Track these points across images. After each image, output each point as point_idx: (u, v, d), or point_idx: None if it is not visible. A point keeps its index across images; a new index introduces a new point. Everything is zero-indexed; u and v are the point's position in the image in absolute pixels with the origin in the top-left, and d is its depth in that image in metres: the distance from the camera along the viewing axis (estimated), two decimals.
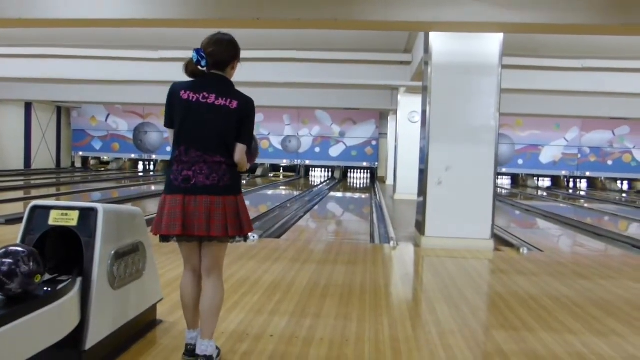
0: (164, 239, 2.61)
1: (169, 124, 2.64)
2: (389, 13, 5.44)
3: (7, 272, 2.09)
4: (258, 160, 22.62)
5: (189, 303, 2.71)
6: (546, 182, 22.48)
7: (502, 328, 3.48)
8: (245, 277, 4.50)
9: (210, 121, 2.54)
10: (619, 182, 21.96)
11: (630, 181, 21.94)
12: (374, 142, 22.25)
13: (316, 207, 11.46)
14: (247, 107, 2.60)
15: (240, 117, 2.57)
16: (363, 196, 15.10)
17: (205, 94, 2.55)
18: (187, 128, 2.55)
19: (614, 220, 11.21)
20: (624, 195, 19.34)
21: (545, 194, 18.74)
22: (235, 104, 2.56)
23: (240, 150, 2.59)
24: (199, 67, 2.58)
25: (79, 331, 2.44)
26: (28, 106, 20.70)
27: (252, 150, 2.69)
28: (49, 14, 5.74)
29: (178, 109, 2.57)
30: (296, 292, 4.12)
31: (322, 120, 22.03)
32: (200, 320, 2.64)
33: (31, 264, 2.16)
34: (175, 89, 2.60)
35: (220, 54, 2.62)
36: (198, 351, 2.60)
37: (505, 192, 18.56)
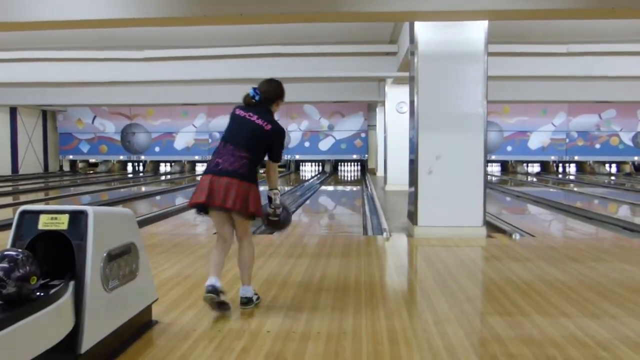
0: (197, 209, 3.51)
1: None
2: (373, 4, 5.43)
3: (4, 275, 2.08)
4: None
5: (213, 262, 3.52)
6: (535, 168, 22.62)
7: (498, 314, 3.49)
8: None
9: (247, 130, 3.47)
10: (607, 165, 22.13)
11: (619, 164, 22.12)
12: (363, 135, 22.25)
13: (308, 201, 11.46)
14: (276, 132, 3.54)
15: (270, 136, 3.51)
16: (354, 189, 15.12)
17: (251, 114, 3.53)
18: (231, 131, 3.53)
19: (603, 203, 11.29)
20: (612, 178, 19.51)
21: (535, 179, 18.85)
22: (269, 127, 3.50)
23: (271, 167, 3.66)
24: (253, 100, 3.57)
25: (74, 335, 2.42)
26: (13, 111, 20.49)
27: (282, 220, 3.63)
28: (30, 16, 5.68)
29: (230, 120, 3.58)
30: (291, 287, 4.11)
31: (310, 115, 22.00)
32: (240, 272, 3.58)
33: (28, 266, 2.15)
34: (235, 109, 3.62)
35: (269, 92, 3.62)
36: (240, 294, 3.54)
37: (496, 179, 18.65)
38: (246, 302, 3.52)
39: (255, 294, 3.61)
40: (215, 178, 3.36)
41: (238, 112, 3.57)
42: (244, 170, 3.39)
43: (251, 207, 3.40)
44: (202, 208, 3.48)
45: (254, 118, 3.50)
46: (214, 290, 3.34)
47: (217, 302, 3.35)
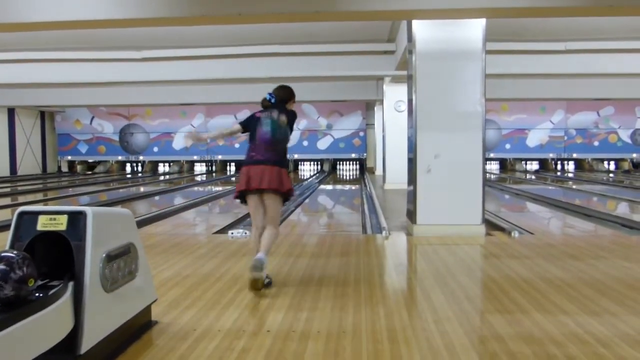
0: (240, 199, 4.20)
1: (243, 124, 4.28)
2: (371, 2, 5.43)
3: (1, 277, 2.07)
4: None
5: (253, 248, 4.19)
6: (534, 166, 22.64)
7: (497, 312, 3.50)
8: (240, 274, 4.49)
9: (270, 125, 4.13)
10: (605, 162, 22.15)
11: (617, 161, 22.15)
12: (361, 133, 22.25)
13: (307, 200, 11.46)
14: (289, 115, 4.25)
15: (288, 122, 4.22)
16: (353, 187, 15.12)
17: (269, 113, 4.21)
18: (258, 130, 4.15)
19: (602, 200, 11.30)
20: (611, 175, 19.51)
21: (533, 177, 18.87)
22: (284, 116, 4.19)
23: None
24: (270, 103, 4.26)
25: (74, 336, 2.41)
26: (11, 112, 20.46)
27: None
28: (28, 17, 5.66)
29: (253, 122, 4.22)
30: (291, 286, 4.11)
31: (308, 114, 21.99)
32: (260, 245, 4.09)
33: (25, 268, 2.14)
34: (254, 113, 4.29)
35: (282, 95, 4.32)
36: (256, 257, 3.92)
37: (494, 177, 18.65)
38: (259, 265, 3.87)
39: (267, 278, 4.07)
40: (251, 167, 4.06)
41: (258, 114, 4.23)
42: (275, 157, 4.08)
43: (285, 185, 4.10)
44: (243, 197, 4.16)
45: (274, 114, 4.18)
46: (261, 264, 3.91)
47: (258, 279, 3.87)
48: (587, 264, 4.91)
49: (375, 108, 19.36)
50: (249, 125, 4.23)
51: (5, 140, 20.44)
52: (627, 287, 4.08)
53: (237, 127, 4.33)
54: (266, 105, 4.27)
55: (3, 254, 2.16)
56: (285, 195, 4.18)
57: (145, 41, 11.16)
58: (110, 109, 22.30)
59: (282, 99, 4.29)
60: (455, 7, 5.42)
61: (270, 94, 4.27)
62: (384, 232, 6.48)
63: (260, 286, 3.87)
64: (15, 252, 2.21)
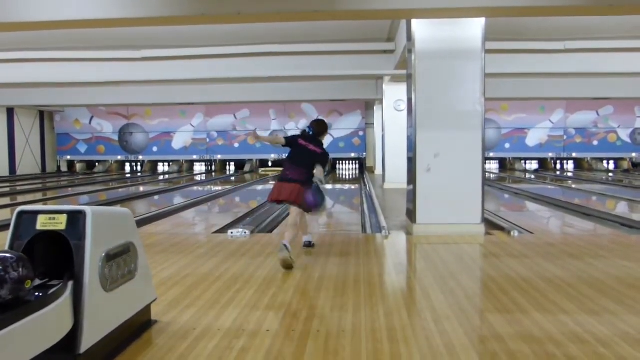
0: (274, 202, 5.29)
1: (287, 140, 5.34)
2: (370, 2, 5.42)
3: None
4: (246, 156, 22.62)
5: (292, 234, 5.01)
6: (533, 165, 22.64)
7: (497, 311, 3.50)
8: (239, 274, 4.49)
9: (306, 155, 5.16)
10: (605, 161, 22.16)
11: (616, 160, 22.15)
12: (361, 133, 22.24)
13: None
14: (323, 155, 5.24)
15: (319, 157, 5.19)
16: (353, 187, 15.12)
17: (308, 144, 5.21)
18: (297, 156, 5.19)
19: (601, 199, 11.31)
20: (610, 174, 19.52)
21: (533, 176, 18.87)
22: (319, 151, 5.21)
23: (318, 169, 5.14)
24: (309, 134, 5.31)
25: (73, 335, 2.41)
26: (10, 112, 20.45)
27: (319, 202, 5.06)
28: (27, 17, 5.65)
29: (295, 146, 5.24)
30: (290, 286, 4.11)
31: (308, 113, 21.97)
32: (302, 232, 5.50)
33: (20, 269, 2.12)
34: (297, 137, 5.30)
35: (318, 129, 5.39)
36: (304, 240, 5.56)
37: (494, 176, 18.66)
38: (308, 244, 5.55)
39: (311, 241, 5.62)
40: (285, 184, 5.07)
41: (301, 142, 5.22)
42: (303, 179, 5.05)
43: (300, 200, 5.04)
44: (275, 202, 5.28)
45: (311, 147, 5.19)
46: (310, 244, 5.57)
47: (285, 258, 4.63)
48: (587, 263, 4.91)
49: (375, 107, 19.36)
50: (292, 146, 5.26)
51: (5, 140, 20.43)
52: (627, 286, 4.08)
53: (282, 140, 5.38)
54: (305, 135, 5.31)
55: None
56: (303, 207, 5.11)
57: (144, 40, 11.15)
58: (109, 109, 22.28)
59: (319, 132, 5.36)
60: (454, 6, 5.42)
61: (309, 127, 5.37)
62: (383, 232, 6.48)
63: (290, 264, 4.62)
64: (10, 253, 2.19)
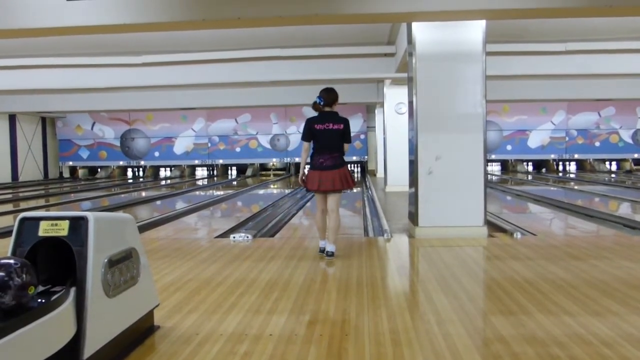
0: (310, 191, 5.30)
1: (307, 139, 5.20)
2: (370, 5, 5.43)
3: (0, 286, 2.06)
4: (247, 161, 22.64)
5: (321, 227, 5.34)
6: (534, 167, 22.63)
7: (500, 313, 3.49)
8: (242, 278, 4.48)
9: (332, 137, 5.10)
10: (607, 163, 22.13)
11: (618, 161, 22.13)
12: (362, 136, 22.26)
13: (308, 203, 11.43)
14: (346, 124, 5.17)
15: (344, 130, 5.14)
16: (354, 190, 15.11)
17: (327, 123, 5.11)
18: (322, 141, 5.11)
19: (604, 200, 11.29)
20: (612, 175, 19.49)
21: (530, 177, 18.84)
22: (342, 126, 5.14)
23: (346, 147, 5.21)
24: (320, 105, 5.17)
25: (76, 341, 2.41)
26: (12, 118, 20.51)
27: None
28: (29, 24, 5.67)
29: (315, 132, 5.12)
30: (293, 290, 4.11)
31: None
32: (327, 234, 5.26)
33: (24, 275, 2.12)
34: (312, 122, 5.15)
35: (329, 98, 5.19)
36: (327, 249, 5.23)
37: (496, 178, 18.64)
38: (331, 254, 5.20)
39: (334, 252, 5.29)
40: (323, 172, 5.09)
41: (318, 126, 5.11)
42: (338, 162, 5.10)
43: (351, 183, 5.19)
44: (309, 191, 5.32)
45: (331, 125, 5.09)
46: (323, 251, 5.31)
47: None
48: (590, 264, 4.90)
49: (376, 110, 19.38)
50: (314, 136, 5.15)
51: (7, 147, 20.48)
52: (630, 287, 4.07)
53: (307, 146, 5.23)
54: (317, 108, 5.18)
55: (2, 262, 2.14)
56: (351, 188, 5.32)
57: (145, 46, 11.17)
58: (111, 114, 22.35)
59: (329, 102, 5.18)
60: (454, 9, 5.42)
61: (319, 98, 5.16)
62: (385, 235, 6.48)
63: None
64: (14, 259, 2.19)
